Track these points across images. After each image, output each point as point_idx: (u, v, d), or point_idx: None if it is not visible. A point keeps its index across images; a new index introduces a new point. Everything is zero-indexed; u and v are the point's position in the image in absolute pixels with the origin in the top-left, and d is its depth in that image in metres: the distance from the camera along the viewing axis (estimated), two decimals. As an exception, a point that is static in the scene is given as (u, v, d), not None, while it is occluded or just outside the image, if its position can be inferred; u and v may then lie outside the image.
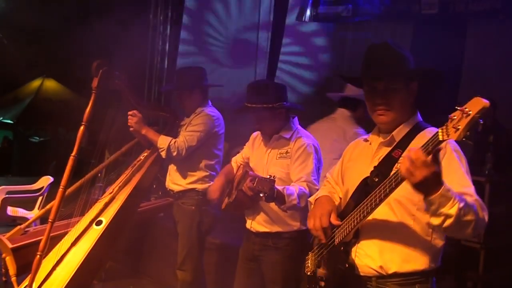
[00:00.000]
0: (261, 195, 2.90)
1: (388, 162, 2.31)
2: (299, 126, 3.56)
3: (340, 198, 2.61)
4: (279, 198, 3.08)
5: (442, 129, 1.85)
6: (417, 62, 2.42)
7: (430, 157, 1.92)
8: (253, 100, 3.40)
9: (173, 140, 4.13)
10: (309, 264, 2.58)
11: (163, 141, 4.12)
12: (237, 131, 4.30)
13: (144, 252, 5.88)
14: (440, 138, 1.86)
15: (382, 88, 2.34)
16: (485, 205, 2.13)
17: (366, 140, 2.56)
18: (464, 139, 1.79)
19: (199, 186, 4.29)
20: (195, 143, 4.16)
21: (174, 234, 4.42)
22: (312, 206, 2.64)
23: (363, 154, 2.52)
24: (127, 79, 3.82)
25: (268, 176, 2.89)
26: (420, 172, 1.92)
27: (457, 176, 2.16)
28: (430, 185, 1.95)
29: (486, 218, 2.10)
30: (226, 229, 5.04)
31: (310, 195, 2.89)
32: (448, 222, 2.00)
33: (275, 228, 3.44)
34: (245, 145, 3.83)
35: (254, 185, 2.86)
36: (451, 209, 1.97)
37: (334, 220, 2.40)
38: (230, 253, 4.17)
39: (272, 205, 3.29)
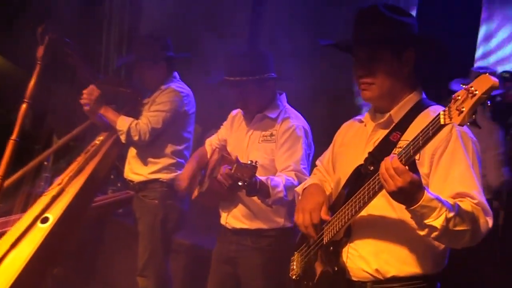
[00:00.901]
0: (240, 183, 2.88)
1: (385, 147, 2.30)
2: (287, 105, 3.52)
3: (332, 188, 2.61)
4: (262, 190, 3.05)
5: (444, 112, 1.85)
6: (427, 24, 2.37)
7: (407, 164, 1.97)
8: (235, 72, 3.35)
9: (134, 122, 4.10)
10: (295, 267, 2.58)
11: (122, 123, 4.09)
12: (212, 111, 4.31)
13: (99, 256, 5.78)
14: (442, 121, 1.85)
15: (365, 58, 2.35)
16: (489, 208, 2.16)
17: (360, 121, 2.56)
18: (468, 123, 1.80)
19: (164, 176, 4.27)
20: (160, 125, 4.13)
21: (134, 234, 4.38)
22: (300, 197, 2.64)
23: (357, 137, 2.52)
24: (79, 47, 3.83)
25: (248, 162, 2.86)
26: (394, 181, 1.97)
27: (458, 172, 2.18)
28: (407, 196, 2.00)
29: (490, 223, 2.14)
30: (196, 227, 5.00)
31: None
32: (434, 234, 2.05)
33: (255, 224, 3.41)
34: (221, 125, 3.79)
35: (232, 171, 2.84)
36: (436, 220, 2.02)
37: (324, 215, 2.41)
38: (202, 256, 4.19)
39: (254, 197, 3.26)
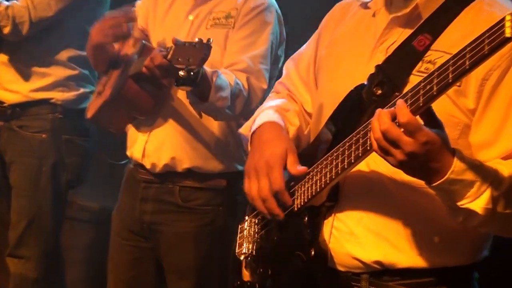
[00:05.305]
0: (180, 73, 2.40)
1: (405, 58, 1.87)
2: None
3: (308, 114, 2.20)
4: (201, 86, 2.57)
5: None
6: None
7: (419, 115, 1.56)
8: None
9: (4, 4, 3.57)
10: (244, 242, 2.23)
11: None
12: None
13: None
14: (508, 33, 1.35)
15: None
16: None
17: (366, 6, 2.12)
18: None
19: (57, 96, 3.65)
20: (53, 12, 3.58)
21: (2, 189, 3.85)
22: (250, 144, 2.23)
23: (358, 33, 2.08)
24: None
25: (196, 40, 2.46)
26: (404, 147, 1.53)
27: None
28: (425, 166, 1.56)
29: None
30: (107, 180, 4.36)
31: (252, 104, 2.67)
32: (474, 221, 1.60)
33: (190, 162, 2.88)
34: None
35: (170, 56, 2.47)
36: (475, 201, 1.59)
37: (293, 168, 1.96)
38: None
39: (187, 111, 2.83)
